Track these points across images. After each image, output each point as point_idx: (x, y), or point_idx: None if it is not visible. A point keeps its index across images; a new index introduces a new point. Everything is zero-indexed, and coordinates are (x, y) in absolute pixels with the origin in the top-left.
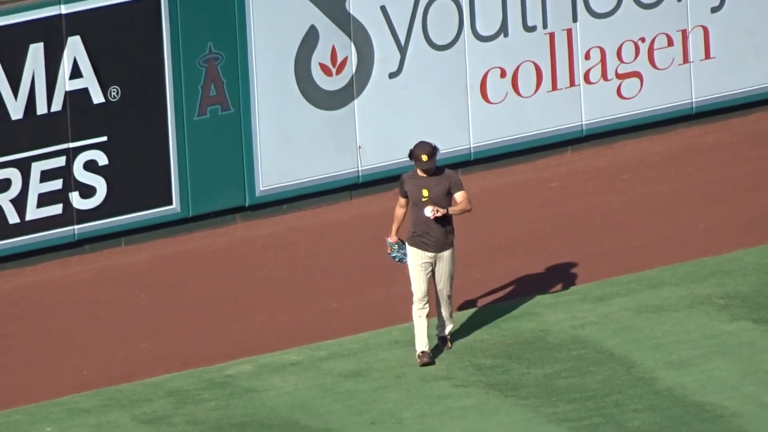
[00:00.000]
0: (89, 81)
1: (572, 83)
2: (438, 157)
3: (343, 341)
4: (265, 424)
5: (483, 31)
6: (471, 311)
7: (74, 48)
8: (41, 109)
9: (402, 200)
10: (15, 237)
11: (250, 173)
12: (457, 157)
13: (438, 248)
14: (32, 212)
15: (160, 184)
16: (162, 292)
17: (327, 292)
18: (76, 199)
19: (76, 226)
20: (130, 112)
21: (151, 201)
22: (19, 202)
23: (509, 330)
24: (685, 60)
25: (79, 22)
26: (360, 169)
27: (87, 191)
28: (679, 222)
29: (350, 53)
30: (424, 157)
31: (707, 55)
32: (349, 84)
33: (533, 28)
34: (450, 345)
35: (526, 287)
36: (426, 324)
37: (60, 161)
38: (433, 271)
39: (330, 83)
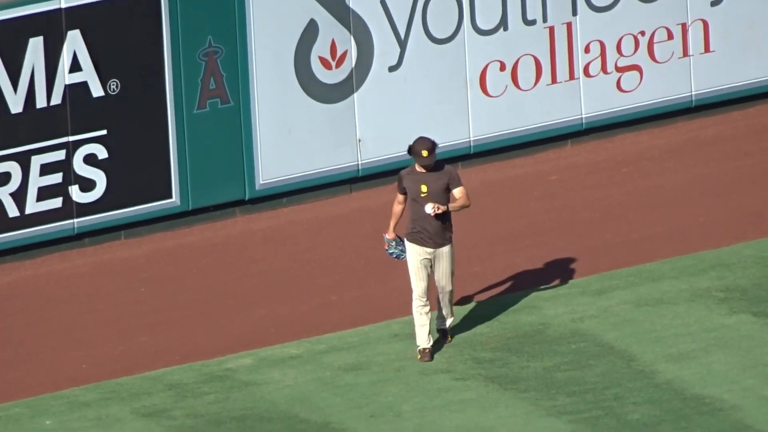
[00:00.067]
0: (89, 75)
1: (572, 77)
2: (437, 151)
3: (343, 335)
4: (265, 418)
5: (483, 25)
6: (471, 305)
7: (74, 42)
8: (41, 102)
9: (400, 197)
10: (15, 230)
11: (250, 167)
12: (456, 151)
13: (436, 244)
14: (32, 206)
15: (159, 178)
16: (161, 286)
17: (326, 286)
18: (75, 193)
19: (75, 220)
20: (130, 106)
21: (151, 194)
22: (19, 196)
23: (509, 323)
24: (685, 53)
25: (78, 16)
26: (360, 162)
27: (87, 185)
28: (678, 215)
29: (350, 47)
30: (424, 153)
31: (707, 49)
32: (349, 77)
33: (533, 22)
34: (450, 338)
35: (526, 281)
36: (427, 321)
37: (60, 155)
38: (432, 268)
39: (330, 77)
